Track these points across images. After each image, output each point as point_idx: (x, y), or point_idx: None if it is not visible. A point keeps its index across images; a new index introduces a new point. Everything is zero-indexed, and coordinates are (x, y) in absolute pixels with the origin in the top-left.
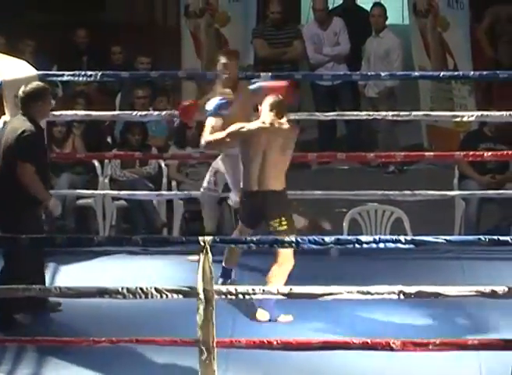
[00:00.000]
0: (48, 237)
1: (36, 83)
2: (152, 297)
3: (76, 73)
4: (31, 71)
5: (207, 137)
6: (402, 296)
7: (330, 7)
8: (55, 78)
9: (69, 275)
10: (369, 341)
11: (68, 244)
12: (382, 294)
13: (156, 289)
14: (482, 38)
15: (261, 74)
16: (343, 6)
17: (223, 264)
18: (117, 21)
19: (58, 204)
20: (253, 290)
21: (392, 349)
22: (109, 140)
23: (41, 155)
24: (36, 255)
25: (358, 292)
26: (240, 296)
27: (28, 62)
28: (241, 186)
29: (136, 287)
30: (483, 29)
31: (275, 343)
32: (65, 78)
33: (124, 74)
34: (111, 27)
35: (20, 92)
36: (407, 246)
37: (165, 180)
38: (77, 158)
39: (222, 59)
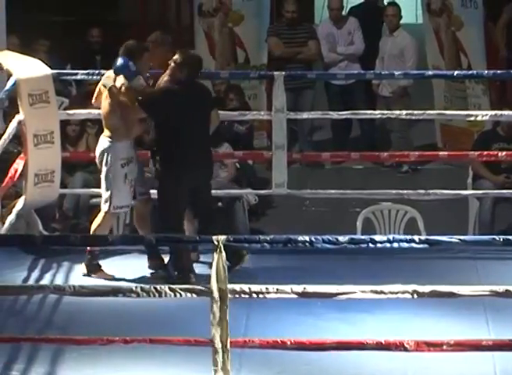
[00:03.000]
0: (61, 236)
1: None
2: (166, 296)
3: (90, 71)
4: (45, 70)
5: None
6: (416, 296)
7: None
8: (68, 77)
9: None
10: (383, 341)
11: (81, 243)
12: (396, 293)
13: (170, 288)
14: (499, 35)
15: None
16: (364, 5)
17: None
18: (130, 20)
19: None
20: (266, 289)
21: (406, 349)
22: None
23: None
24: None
25: (372, 291)
26: (254, 295)
27: (42, 62)
28: None
29: (150, 286)
30: (501, 25)
31: (288, 343)
32: (78, 77)
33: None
34: (124, 26)
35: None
36: (420, 246)
37: None
38: (91, 157)
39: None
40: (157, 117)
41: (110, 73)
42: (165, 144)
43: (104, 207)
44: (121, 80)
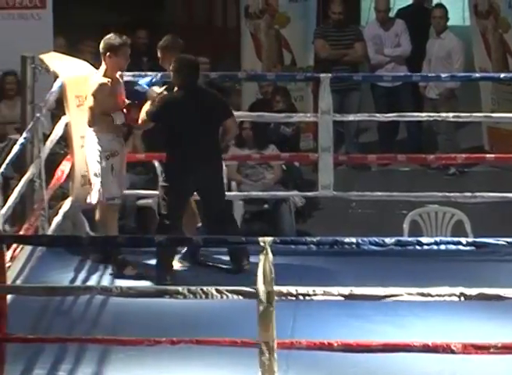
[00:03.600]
0: (108, 237)
1: None
2: (212, 297)
3: (136, 73)
4: (92, 71)
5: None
6: (463, 298)
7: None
8: None
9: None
10: (430, 343)
11: (128, 244)
12: (443, 296)
13: (217, 290)
14: None
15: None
16: (411, 7)
17: None
18: (176, 21)
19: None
20: (313, 291)
21: (452, 352)
22: None
23: None
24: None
25: (418, 294)
26: (301, 297)
27: (88, 63)
28: None
29: (197, 288)
30: None
31: (335, 344)
32: (125, 79)
33: None
34: (170, 28)
35: None
36: (467, 248)
37: (224, 181)
38: (137, 158)
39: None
40: (159, 124)
41: None
42: (167, 147)
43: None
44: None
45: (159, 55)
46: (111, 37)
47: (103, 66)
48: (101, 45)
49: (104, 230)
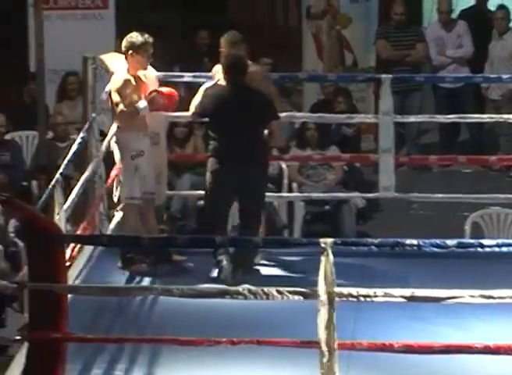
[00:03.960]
0: (169, 237)
1: None
2: (273, 298)
3: (197, 74)
4: (151, 71)
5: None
6: None
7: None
8: (175, 79)
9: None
10: (491, 345)
11: (189, 244)
12: (505, 298)
13: (277, 290)
14: None
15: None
16: (473, 9)
17: None
18: (238, 22)
19: None
20: (374, 292)
21: None
22: None
23: None
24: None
25: (481, 296)
26: (362, 298)
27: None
28: None
29: (258, 288)
30: None
31: (396, 346)
32: (185, 79)
33: None
34: (232, 28)
35: None
36: None
37: (285, 182)
38: (198, 158)
39: None
40: (202, 118)
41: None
42: (209, 143)
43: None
44: None
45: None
46: (133, 36)
47: (126, 65)
48: (123, 43)
49: (125, 230)
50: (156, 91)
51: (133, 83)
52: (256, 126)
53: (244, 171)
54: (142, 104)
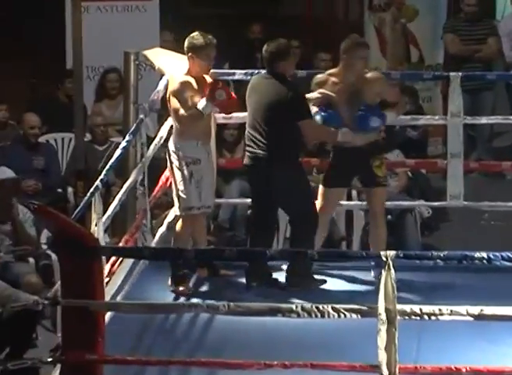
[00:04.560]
0: (216, 250)
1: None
2: (329, 316)
3: (249, 71)
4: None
5: None
6: None
7: None
8: (225, 77)
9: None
10: None
11: (237, 257)
12: None
13: (333, 308)
14: None
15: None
16: None
17: None
18: (294, 15)
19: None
20: (439, 310)
21: None
22: None
23: None
24: None
25: None
26: (426, 317)
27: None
28: None
29: (312, 306)
30: None
31: (464, 370)
32: (236, 77)
33: (301, 73)
34: (287, 21)
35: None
36: None
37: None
38: None
39: None
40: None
41: None
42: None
43: (176, 210)
44: None
45: None
46: (194, 36)
47: (187, 66)
48: (185, 44)
49: (176, 242)
50: (216, 83)
51: (195, 85)
52: (282, 124)
53: (276, 171)
54: (202, 103)
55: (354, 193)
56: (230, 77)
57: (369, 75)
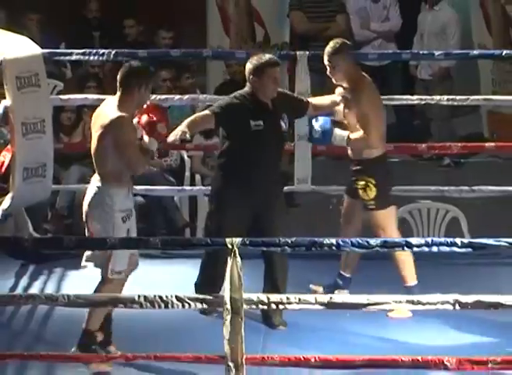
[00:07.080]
0: (54, 238)
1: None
2: (173, 306)
3: (87, 51)
4: (35, 49)
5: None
6: (458, 306)
7: None
8: (62, 57)
9: (78, 281)
10: (420, 358)
11: (77, 245)
12: (435, 304)
13: (177, 297)
14: None
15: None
16: None
17: (341, 271)
18: None
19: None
20: (287, 298)
21: (446, 368)
22: None
23: None
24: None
25: (408, 302)
26: (273, 306)
27: (32, 39)
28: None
29: (155, 296)
30: None
31: (313, 360)
32: (74, 57)
33: (141, 53)
34: None
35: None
36: (463, 250)
37: (187, 174)
38: (88, 148)
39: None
40: None
41: None
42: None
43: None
44: None
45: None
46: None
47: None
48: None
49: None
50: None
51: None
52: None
53: (263, 197)
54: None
55: (198, 177)
56: (67, 58)
57: None
